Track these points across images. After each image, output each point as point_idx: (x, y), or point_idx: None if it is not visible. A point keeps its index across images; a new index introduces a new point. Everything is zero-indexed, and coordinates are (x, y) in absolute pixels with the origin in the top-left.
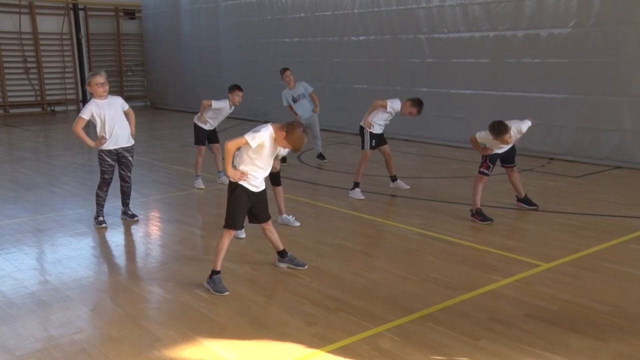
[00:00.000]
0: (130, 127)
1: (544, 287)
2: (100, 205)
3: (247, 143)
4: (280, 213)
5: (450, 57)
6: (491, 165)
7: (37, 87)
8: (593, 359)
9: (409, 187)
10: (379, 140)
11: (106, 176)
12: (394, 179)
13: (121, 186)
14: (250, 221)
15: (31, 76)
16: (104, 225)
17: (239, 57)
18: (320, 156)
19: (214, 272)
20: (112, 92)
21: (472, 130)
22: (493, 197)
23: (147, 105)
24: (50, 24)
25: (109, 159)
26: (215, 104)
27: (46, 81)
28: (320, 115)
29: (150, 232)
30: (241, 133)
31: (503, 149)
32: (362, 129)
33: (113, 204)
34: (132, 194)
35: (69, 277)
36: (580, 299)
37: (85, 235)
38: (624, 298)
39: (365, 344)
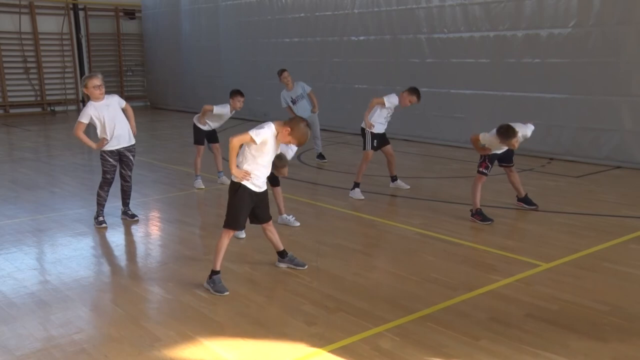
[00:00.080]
0: (130, 124)
1: (544, 287)
2: (100, 205)
3: (251, 139)
4: (280, 213)
5: (450, 57)
6: (490, 165)
7: (37, 87)
8: (593, 359)
9: (409, 187)
10: (381, 140)
11: (108, 176)
12: (394, 179)
13: (122, 185)
14: (252, 222)
15: (31, 76)
16: (104, 225)
17: (239, 57)
18: (320, 156)
19: (214, 272)
20: (112, 92)
21: (472, 130)
22: (493, 197)
23: (147, 105)
24: (50, 24)
25: (111, 159)
26: (216, 109)
27: (46, 81)
28: (320, 115)
29: (150, 232)
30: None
31: (502, 149)
32: (363, 130)
33: (113, 204)
34: (132, 194)
35: (69, 277)
36: (580, 299)
37: (85, 235)
38: (624, 298)
39: (365, 344)
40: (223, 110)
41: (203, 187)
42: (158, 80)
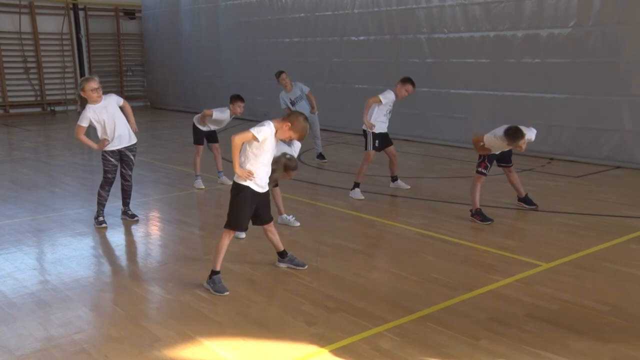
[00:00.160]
0: (129, 121)
1: (544, 287)
2: (101, 204)
3: (253, 137)
4: (280, 213)
5: (450, 57)
6: (489, 165)
7: (37, 87)
8: (593, 359)
9: (409, 187)
10: (384, 140)
11: (109, 175)
12: (394, 179)
13: (122, 185)
14: (254, 223)
15: (31, 76)
16: (104, 225)
17: (239, 57)
18: (320, 156)
19: (214, 272)
20: (112, 92)
21: (472, 130)
22: (493, 197)
23: (147, 105)
24: (50, 24)
25: (112, 159)
26: (215, 114)
27: (46, 81)
28: (320, 115)
29: (150, 232)
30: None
31: (503, 150)
32: (364, 131)
33: (113, 204)
34: (132, 194)
35: (69, 277)
36: (580, 299)
37: (85, 235)
38: (624, 298)
39: (365, 344)
40: (222, 115)
41: (203, 187)
42: (158, 80)
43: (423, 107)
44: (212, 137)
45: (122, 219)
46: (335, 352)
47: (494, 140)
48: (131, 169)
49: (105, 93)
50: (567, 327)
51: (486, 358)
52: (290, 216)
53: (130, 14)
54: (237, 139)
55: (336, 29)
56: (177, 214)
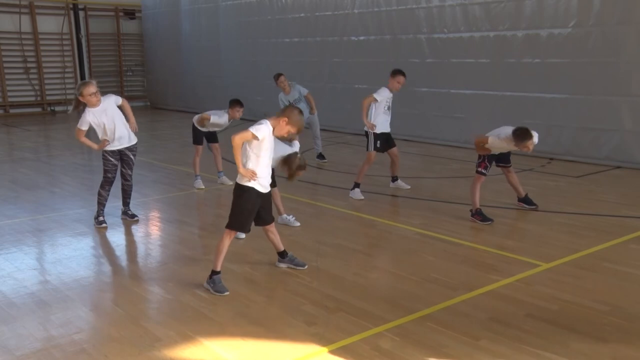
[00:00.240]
0: (129, 120)
1: (544, 287)
2: (101, 204)
3: (253, 135)
4: (280, 213)
5: (450, 57)
6: (489, 165)
7: (37, 87)
8: (593, 359)
9: (409, 187)
10: (386, 141)
11: (109, 175)
12: (394, 179)
13: (122, 185)
14: (257, 224)
15: (31, 76)
16: (104, 225)
17: (239, 57)
18: (320, 156)
19: (214, 272)
20: (112, 92)
21: (472, 130)
22: (493, 197)
23: (147, 105)
24: (50, 24)
25: (112, 159)
26: (213, 118)
27: (46, 81)
28: (320, 115)
29: (150, 232)
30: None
31: (501, 150)
32: (366, 131)
33: (113, 204)
34: (132, 194)
35: (69, 277)
36: (580, 299)
37: (85, 235)
38: (624, 298)
39: (365, 344)
40: (220, 120)
41: (203, 187)
42: (158, 80)
43: (423, 107)
44: (212, 137)
45: (122, 219)
46: (335, 352)
47: (499, 141)
48: (131, 169)
49: (103, 94)
50: (567, 327)
51: (486, 358)
52: (291, 216)
53: (130, 14)
54: (237, 139)
55: (336, 29)
56: (177, 214)
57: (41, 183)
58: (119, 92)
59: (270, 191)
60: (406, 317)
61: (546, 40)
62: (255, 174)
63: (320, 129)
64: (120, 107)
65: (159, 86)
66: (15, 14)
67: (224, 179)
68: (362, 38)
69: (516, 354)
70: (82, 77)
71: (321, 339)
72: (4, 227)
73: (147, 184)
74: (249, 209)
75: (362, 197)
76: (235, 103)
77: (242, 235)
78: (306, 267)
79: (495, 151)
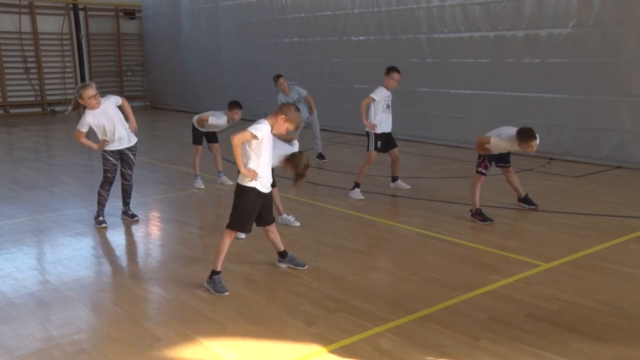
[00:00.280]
0: (129, 120)
1: (544, 287)
2: (101, 204)
3: (252, 135)
4: (280, 213)
5: (450, 57)
6: (489, 165)
7: (37, 87)
8: (593, 359)
9: (409, 187)
10: (388, 142)
11: (109, 175)
12: (394, 179)
13: (122, 184)
14: (258, 224)
15: (31, 76)
16: (104, 225)
17: (239, 57)
18: (320, 156)
19: (214, 273)
20: (112, 93)
21: (472, 130)
22: (493, 197)
23: (147, 105)
24: (50, 24)
25: (111, 158)
26: (211, 120)
27: (46, 81)
28: (320, 115)
29: (150, 232)
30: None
31: (501, 150)
32: (367, 132)
33: (113, 204)
34: (132, 194)
35: (69, 277)
36: (580, 299)
37: (85, 235)
38: (624, 298)
39: (365, 344)
40: (218, 121)
41: (203, 187)
42: (158, 80)
43: (423, 107)
44: (211, 137)
45: (122, 219)
46: (335, 352)
47: (502, 142)
48: (131, 169)
49: (103, 94)
50: (567, 327)
51: (486, 358)
52: (291, 216)
53: (130, 14)
54: (237, 139)
55: (336, 29)
56: (177, 214)
57: (41, 183)
58: (119, 92)
59: (271, 191)
60: (406, 317)
61: (546, 40)
62: (257, 174)
63: (321, 129)
64: (120, 107)
65: (159, 86)
66: (15, 14)
67: (224, 179)
68: (362, 38)
69: (516, 354)
70: (82, 77)
71: (321, 339)
72: (4, 227)
73: (147, 184)
74: (249, 210)
75: (362, 197)
76: (234, 105)
77: (242, 236)
78: (306, 267)
79: (496, 151)
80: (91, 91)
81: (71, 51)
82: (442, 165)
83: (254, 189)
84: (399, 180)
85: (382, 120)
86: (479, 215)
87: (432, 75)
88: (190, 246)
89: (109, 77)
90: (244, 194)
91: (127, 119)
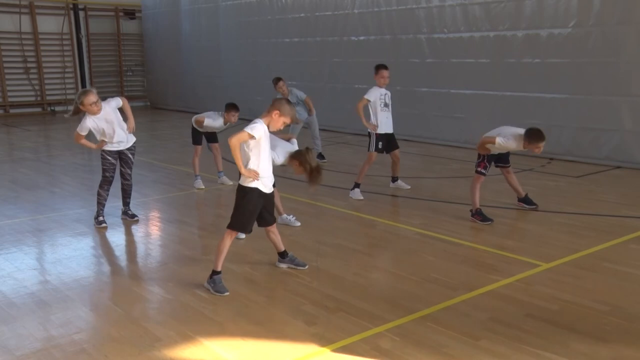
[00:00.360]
0: (128, 121)
1: (544, 287)
2: (101, 204)
3: (249, 135)
4: (280, 213)
5: (450, 57)
6: (488, 165)
7: (37, 87)
8: (593, 359)
9: (409, 187)
10: (389, 142)
11: (107, 174)
12: (394, 179)
13: (122, 184)
14: (259, 224)
15: (31, 76)
16: (104, 225)
17: (239, 57)
18: (320, 156)
19: (215, 273)
20: (112, 93)
21: (472, 130)
22: (493, 197)
23: (147, 105)
24: (50, 24)
25: (110, 158)
26: (207, 121)
27: (46, 81)
28: (320, 115)
29: (150, 232)
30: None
31: (501, 150)
32: (368, 132)
33: (113, 204)
34: (132, 194)
35: (69, 277)
36: (580, 299)
37: (85, 235)
38: (624, 298)
39: (365, 344)
40: (214, 123)
41: (203, 187)
42: (158, 80)
43: (423, 107)
44: (211, 137)
45: (122, 219)
46: (335, 352)
47: (508, 143)
48: (130, 168)
49: (103, 94)
50: (567, 327)
51: (486, 358)
52: (291, 216)
53: (130, 14)
54: (234, 141)
55: (336, 29)
56: (177, 214)
57: (41, 183)
58: (119, 92)
59: (272, 192)
60: (406, 317)
61: (546, 40)
62: (258, 174)
63: (321, 129)
64: (120, 108)
65: (159, 86)
66: (15, 14)
67: (224, 179)
68: (362, 38)
69: (516, 354)
70: (82, 77)
71: (321, 339)
72: (4, 227)
73: (147, 184)
74: (250, 210)
75: (362, 198)
76: (231, 107)
77: (242, 236)
78: (307, 267)
79: (495, 151)
80: (92, 98)
81: (71, 51)
82: (442, 165)
83: (255, 189)
84: (399, 181)
85: (382, 121)
86: (479, 215)
87: (432, 75)
88: (190, 246)
89: (109, 77)
90: (245, 194)
91: (125, 119)
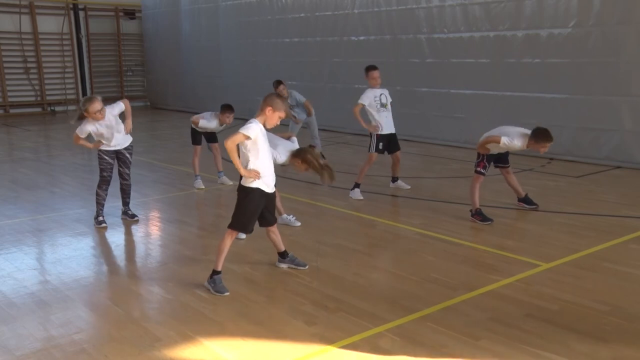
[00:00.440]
0: (126, 122)
1: (544, 287)
2: (100, 204)
3: (245, 136)
4: (280, 213)
5: (450, 57)
6: (487, 165)
7: (37, 87)
8: (593, 359)
9: (409, 187)
10: (391, 143)
11: (105, 174)
12: (394, 179)
13: (121, 184)
14: (260, 224)
15: (31, 76)
16: (103, 225)
17: (239, 57)
18: (320, 156)
19: (215, 272)
20: (112, 93)
21: (472, 130)
22: (493, 197)
23: (147, 105)
24: (50, 24)
25: (107, 157)
26: (202, 123)
27: (46, 81)
28: (321, 115)
29: (150, 232)
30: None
31: (500, 150)
32: (370, 133)
33: (113, 204)
34: (132, 194)
35: (69, 277)
36: (580, 299)
37: (85, 235)
38: (624, 298)
39: (365, 344)
40: (209, 124)
41: (203, 187)
42: (158, 80)
43: (423, 107)
44: (211, 137)
45: (122, 219)
46: (335, 352)
47: (513, 143)
48: (129, 168)
49: (103, 94)
50: (567, 327)
51: (486, 358)
52: (291, 216)
53: (130, 14)
54: (229, 143)
55: (336, 29)
56: (177, 214)
57: (41, 183)
58: (119, 92)
59: (274, 191)
60: (406, 317)
61: (546, 40)
62: (259, 174)
63: (321, 129)
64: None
65: (159, 86)
66: (15, 14)
67: (224, 179)
68: (362, 38)
69: (516, 354)
70: (82, 77)
71: (321, 339)
72: (4, 227)
73: (147, 184)
74: (252, 210)
75: (362, 198)
76: (225, 108)
77: (243, 236)
78: (307, 267)
79: (495, 151)
80: (97, 106)
81: (71, 51)
82: (442, 165)
83: (257, 189)
84: (399, 181)
85: (381, 121)
86: (478, 215)
87: (432, 75)
88: (190, 246)
89: (109, 77)
90: (247, 194)
91: (125, 121)
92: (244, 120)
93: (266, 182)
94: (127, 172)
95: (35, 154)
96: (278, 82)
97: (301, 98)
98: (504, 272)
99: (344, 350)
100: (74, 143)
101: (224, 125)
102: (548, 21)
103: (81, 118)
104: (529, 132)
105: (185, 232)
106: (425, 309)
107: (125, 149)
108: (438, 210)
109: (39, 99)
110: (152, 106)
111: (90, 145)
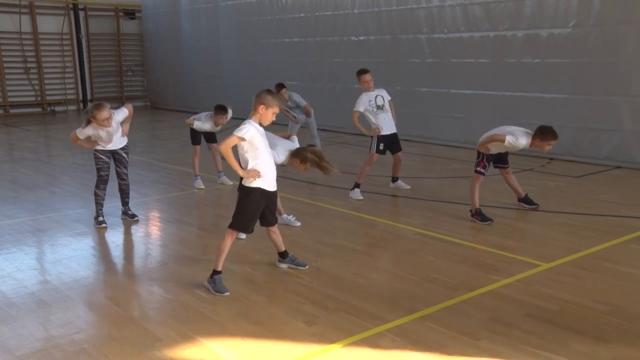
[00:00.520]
0: (123, 125)
1: (544, 287)
2: (99, 204)
3: (239, 138)
4: (280, 214)
5: (450, 57)
6: (487, 165)
7: (37, 87)
8: (593, 359)
9: (409, 187)
10: (392, 144)
11: (102, 173)
12: (395, 179)
13: (119, 184)
14: (261, 224)
15: (31, 76)
16: (103, 225)
17: (239, 57)
18: None
19: (215, 272)
20: (112, 93)
21: (472, 130)
22: (493, 197)
23: (147, 105)
24: (50, 24)
25: (103, 156)
26: (197, 124)
27: (46, 81)
28: (321, 115)
29: (150, 232)
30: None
31: (501, 149)
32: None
33: (113, 204)
34: (132, 194)
35: (69, 277)
36: (580, 299)
37: (85, 235)
38: (624, 298)
39: (365, 344)
40: (203, 126)
41: (203, 187)
42: (158, 80)
43: (423, 107)
44: (210, 137)
45: (122, 219)
46: (335, 352)
47: (517, 141)
48: (126, 167)
49: (103, 94)
50: (567, 327)
51: (486, 358)
52: (291, 216)
53: (130, 14)
54: (224, 147)
55: (336, 29)
56: (177, 214)
57: (41, 183)
58: (119, 92)
59: (276, 191)
60: (406, 317)
61: (546, 40)
62: (258, 172)
63: (321, 129)
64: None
65: (159, 86)
66: (15, 14)
67: (224, 179)
68: (362, 38)
69: (516, 354)
70: (82, 77)
71: (321, 339)
72: (4, 227)
73: (147, 184)
74: (252, 210)
75: (361, 198)
76: (219, 110)
77: (243, 236)
78: (307, 267)
79: (495, 151)
80: (106, 114)
81: (71, 51)
82: (442, 165)
83: (257, 189)
84: (399, 181)
85: (380, 123)
86: (478, 215)
87: (432, 75)
88: (190, 246)
89: (109, 77)
90: (247, 194)
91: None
92: (242, 121)
93: (267, 181)
94: (125, 171)
95: (35, 154)
96: (280, 86)
97: (302, 102)
98: (504, 272)
99: (344, 350)
100: (71, 139)
101: (220, 126)
102: (548, 21)
103: (89, 124)
104: (530, 131)
105: (185, 232)
106: (425, 309)
107: (122, 148)
108: (438, 210)
109: (39, 99)
110: (152, 106)
111: (85, 144)
